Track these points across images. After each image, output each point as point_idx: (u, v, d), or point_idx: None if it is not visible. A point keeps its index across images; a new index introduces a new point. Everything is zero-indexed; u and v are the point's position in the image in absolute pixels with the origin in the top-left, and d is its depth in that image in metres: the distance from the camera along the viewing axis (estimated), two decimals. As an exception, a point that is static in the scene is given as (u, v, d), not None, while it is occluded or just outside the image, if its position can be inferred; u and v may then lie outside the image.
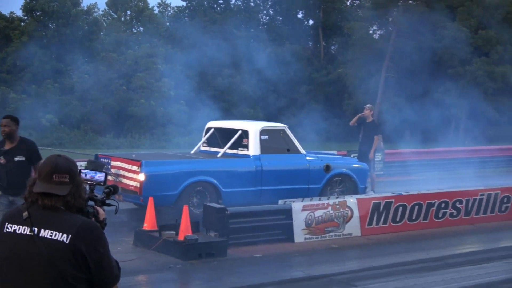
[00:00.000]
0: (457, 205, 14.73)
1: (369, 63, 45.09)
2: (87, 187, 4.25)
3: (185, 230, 11.25)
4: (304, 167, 14.77)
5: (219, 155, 14.89)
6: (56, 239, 3.80)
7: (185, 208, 11.47)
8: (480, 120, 38.98)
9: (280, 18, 54.81)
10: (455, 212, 14.69)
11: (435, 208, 14.36)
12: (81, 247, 3.80)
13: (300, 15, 55.92)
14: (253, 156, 14.33)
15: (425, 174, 22.88)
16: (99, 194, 4.34)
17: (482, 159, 25.77)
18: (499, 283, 10.49)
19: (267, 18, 55.63)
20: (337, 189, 15.35)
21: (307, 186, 14.82)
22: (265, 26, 53.04)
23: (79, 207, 3.96)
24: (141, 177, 13.10)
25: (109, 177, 12.12)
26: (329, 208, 12.86)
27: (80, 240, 3.80)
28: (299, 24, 54.53)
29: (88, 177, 4.43)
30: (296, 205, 12.72)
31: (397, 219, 13.82)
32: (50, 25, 45.04)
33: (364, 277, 10.39)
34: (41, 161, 8.71)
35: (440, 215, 14.47)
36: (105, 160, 14.61)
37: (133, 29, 52.06)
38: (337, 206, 13.12)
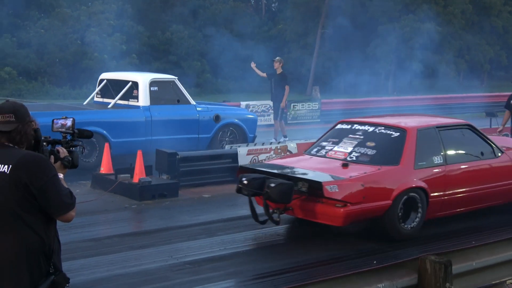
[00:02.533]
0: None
1: (307, 20, 45.06)
2: (61, 135, 4.43)
3: (139, 173, 11.25)
4: (194, 118, 14.27)
5: (109, 106, 14.30)
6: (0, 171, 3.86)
7: (139, 153, 11.38)
8: (407, 73, 39.38)
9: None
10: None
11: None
12: (21, 175, 3.84)
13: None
14: (143, 107, 13.77)
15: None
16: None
17: (408, 107, 26.13)
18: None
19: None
20: (227, 138, 14.99)
21: (197, 135, 14.40)
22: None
23: (28, 143, 4.01)
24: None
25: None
26: (271, 152, 12.95)
27: (19, 169, 3.85)
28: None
29: (58, 124, 4.51)
30: (242, 150, 12.80)
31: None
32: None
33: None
34: None
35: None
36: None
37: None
38: (279, 150, 13.21)
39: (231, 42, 39.54)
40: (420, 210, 8.70)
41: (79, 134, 4.54)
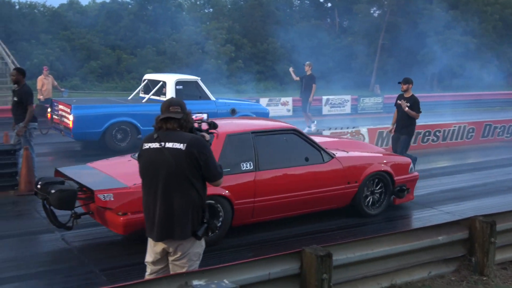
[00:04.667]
0: (437, 133, 14.59)
1: (370, 33, 44.19)
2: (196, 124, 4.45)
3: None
4: (212, 111, 13.09)
5: (143, 100, 13.59)
6: (176, 148, 4.02)
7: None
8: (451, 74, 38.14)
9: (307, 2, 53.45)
10: (435, 138, 14.56)
11: (421, 135, 14.24)
12: (193, 151, 4.02)
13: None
14: None
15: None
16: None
17: (453, 102, 25.41)
18: (467, 188, 10.46)
19: (298, 1, 54.21)
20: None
21: None
22: (297, 7, 52.00)
23: (189, 128, 4.16)
24: (71, 117, 12.06)
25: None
26: (348, 134, 12.83)
27: (192, 147, 4.03)
28: (320, 5, 53.30)
29: (197, 118, 4.83)
30: (325, 133, 12.70)
31: (395, 143, 13.69)
32: None
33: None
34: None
35: (424, 140, 14.36)
36: (55, 104, 13.23)
37: None
38: (354, 133, 13.08)
39: (312, 50, 39.32)
40: (221, 217, 6.52)
41: (213, 126, 4.76)
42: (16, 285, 5.61)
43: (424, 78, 40.96)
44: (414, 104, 10.22)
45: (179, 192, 4.03)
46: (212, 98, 13.53)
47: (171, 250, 4.11)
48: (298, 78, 16.41)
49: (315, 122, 16.63)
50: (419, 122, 13.49)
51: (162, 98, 12.90)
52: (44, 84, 16.55)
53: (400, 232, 5.70)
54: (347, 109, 22.65)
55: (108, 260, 6.28)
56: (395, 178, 8.10)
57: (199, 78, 13.63)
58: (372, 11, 48.96)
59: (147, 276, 4.27)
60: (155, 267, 4.23)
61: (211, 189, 6.11)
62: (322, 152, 7.56)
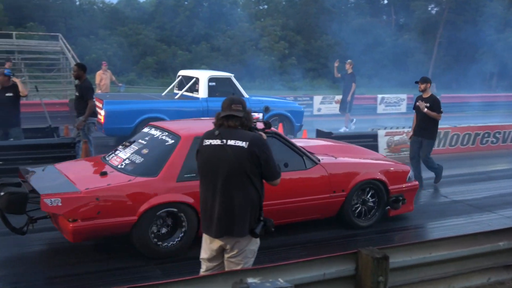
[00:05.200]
0: (497, 135, 14.14)
1: (427, 31, 43.32)
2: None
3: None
4: None
5: (176, 97, 13.27)
6: (239, 145, 4.02)
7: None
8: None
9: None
10: (495, 140, 14.12)
11: (480, 137, 13.84)
12: (255, 150, 4.03)
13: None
14: (201, 98, 12.68)
15: (469, 112, 21.93)
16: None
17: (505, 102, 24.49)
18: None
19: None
20: (274, 127, 13.47)
21: None
22: (353, 4, 51.43)
23: (249, 127, 4.15)
24: (103, 113, 11.85)
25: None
26: (404, 134, 12.58)
27: (253, 145, 4.03)
28: (376, 2, 52.58)
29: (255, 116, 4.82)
30: (381, 132, 12.51)
31: (452, 144, 13.41)
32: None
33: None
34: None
35: (483, 142, 13.95)
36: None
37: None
38: (410, 133, 12.82)
39: (367, 47, 38.81)
40: (184, 227, 6.00)
41: (267, 125, 4.62)
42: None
43: (482, 77, 39.82)
44: (434, 104, 9.33)
45: (239, 189, 4.04)
46: (246, 95, 13.12)
47: (228, 247, 4.12)
48: (339, 75, 16.15)
49: (354, 120, 16.34)
50: (471, 122, 13.02)
51: (195, 95, 12.85)
52: (102, 79, 16.90)
53: (459, 236, 5.52)
54: (403, 108, 22.23)
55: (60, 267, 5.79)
56: (390, 187, 7.33)
57: (232, 75, 13.36)
58: (429, 8, 47.97)
59: (202, 272, 4.29)
60: (210, 264, 4.25)
61: (174, 197, 5.88)
62: (304, 158, 6.81)
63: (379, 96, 22.29)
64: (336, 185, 6.92)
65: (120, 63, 35.58)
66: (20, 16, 37.38)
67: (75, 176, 6.09)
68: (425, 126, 9.40)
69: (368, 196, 7.26)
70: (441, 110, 9.38)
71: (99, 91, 16.73)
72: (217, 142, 4.08)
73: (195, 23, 41.74)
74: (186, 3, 44.00)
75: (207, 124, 6.50)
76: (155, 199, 5.81)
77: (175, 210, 5.91)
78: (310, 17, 45.12)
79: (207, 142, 4.14)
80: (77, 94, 9.60)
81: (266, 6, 48.30)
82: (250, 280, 3.66)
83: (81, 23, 39.06)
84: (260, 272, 3.90)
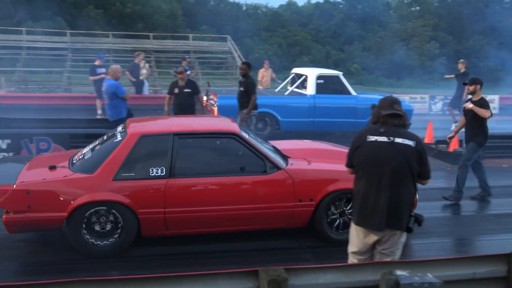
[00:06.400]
0: None
1: None
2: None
3: (453, 145, 10.65)
4: (352, 105, 12.24)
5: (286, 93, 12.95)
6: (407, 144, 3.97)
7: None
8: None
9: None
10: None
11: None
12: (420, 149, 4.00)
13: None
14: (309, 95, 12.28)
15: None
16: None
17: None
18: None
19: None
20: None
21: (355, 120, 12.30)
22: (508, 4, 47.40)
23: (406, 125, 4.10)
24: (216, 107, 11.78)
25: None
26: None
27: (419, 145, 4.02)
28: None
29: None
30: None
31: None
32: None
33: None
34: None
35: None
36: (209, 93, 12.69)
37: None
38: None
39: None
40: (120, 226, 5.53)
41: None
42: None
43: None
44: (482, 106, 7.78)
45: (403, 185, 3.99)
46: (353, 93, 12.68)
47: (384, 239, 4.05)
48: (453, 76, 15.63)
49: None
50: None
51: (304, 92, 12.69)
52: (264, 76, 17.43)
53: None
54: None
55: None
56: None
57: (341, 73, 13.00)
58: None
59: (351, 265, 4.25)
60: (361, 257, 4.22)
61: (107, 195, 5.47)
62: (266, 162, 5.87)
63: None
64: (302, 194, 5.90)
65: (279, 61, 36.38)
66: (195, 20, 39.96)
67: (30, 168, 5.92)
68: (473, 133, 7.94)
69: (349, 208, 6.08)
70: (491, 111, 7.81)
71: (261, 87, 17.24)
72: (383, 139, 4.02)
73: (348, 24, 41.56)
74: (341, 6, 43.85)
75: (163, 122, 6.76)
76: (86, 197, 5.42)
77: (106, 209, 5.51)
78: (463, 17, 42.47)
79: (372, 138, 4.07)
80: (242, 89, 9.98)
81: (418, 8, 46.35)
82: (399, 272, 3.53)
83: (246, 26, 40.77)
84: (409, 265, 3.76)
